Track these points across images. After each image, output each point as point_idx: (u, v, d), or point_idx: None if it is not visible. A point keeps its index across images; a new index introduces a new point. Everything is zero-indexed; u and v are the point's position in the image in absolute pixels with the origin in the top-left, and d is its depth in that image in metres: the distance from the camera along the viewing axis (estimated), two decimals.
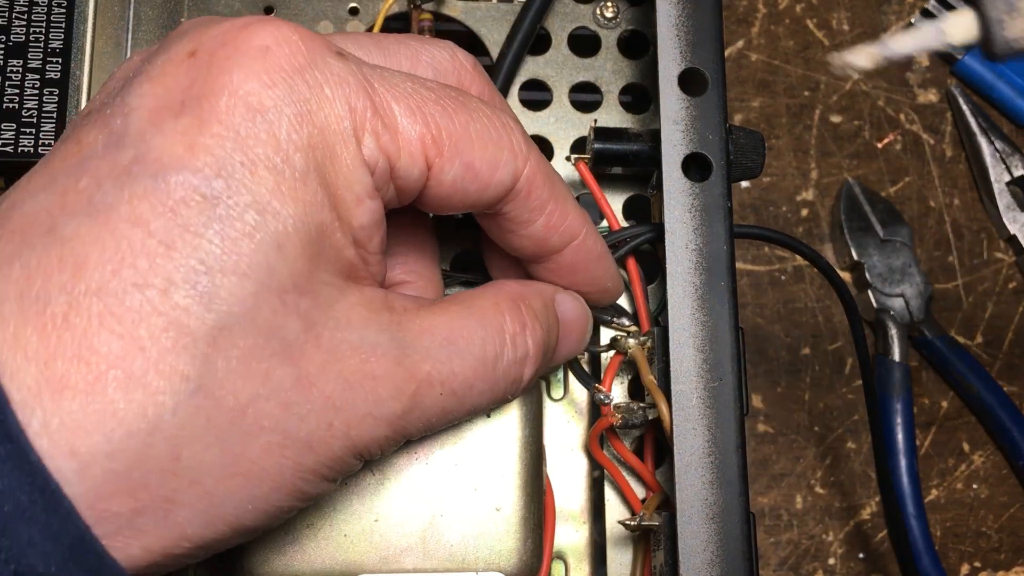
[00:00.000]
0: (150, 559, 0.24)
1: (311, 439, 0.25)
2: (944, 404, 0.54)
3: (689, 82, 0.35)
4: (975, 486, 0.53)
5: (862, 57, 0.24)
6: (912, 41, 0.24)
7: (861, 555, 0.52)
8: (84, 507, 0.23)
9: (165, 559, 0.24)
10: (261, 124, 0.25)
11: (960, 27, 0.23)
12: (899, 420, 0.52)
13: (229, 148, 0.24)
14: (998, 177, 0.56)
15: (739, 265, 0.35)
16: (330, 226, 0.26)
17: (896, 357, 0.53)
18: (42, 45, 0.36)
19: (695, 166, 0.34)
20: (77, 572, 0.22)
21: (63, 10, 0.36)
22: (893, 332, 0.53)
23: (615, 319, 0.36)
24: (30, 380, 0.22)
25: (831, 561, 0.52)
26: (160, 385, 0.23)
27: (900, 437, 0.52)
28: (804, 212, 0.56)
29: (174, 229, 0.24)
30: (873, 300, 0.54)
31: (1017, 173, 0.56)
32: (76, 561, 0.22)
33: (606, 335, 0.37)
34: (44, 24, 0.36)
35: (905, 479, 0.51)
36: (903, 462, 0.52)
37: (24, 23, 0.36)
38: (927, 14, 0.59)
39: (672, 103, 0.35)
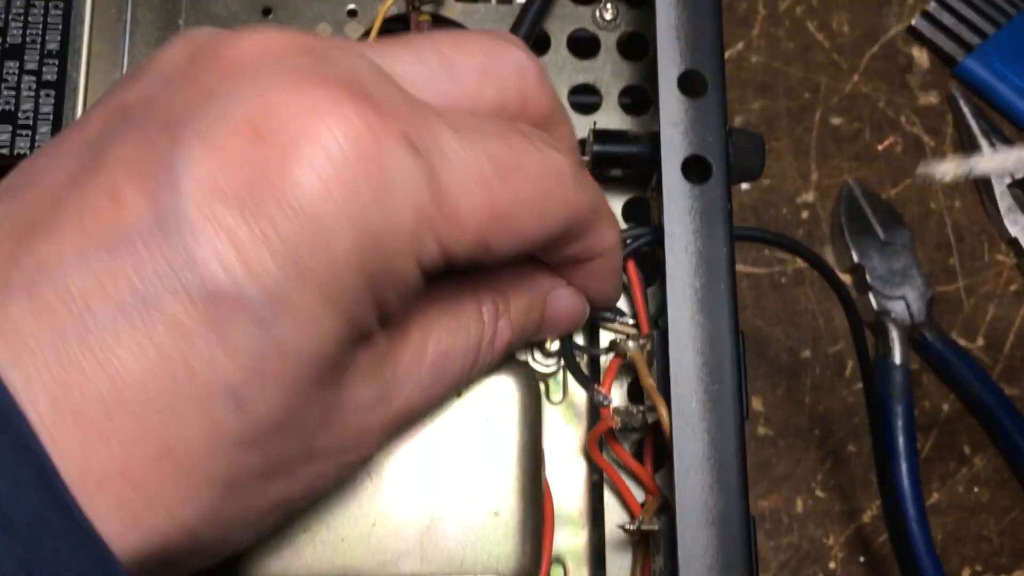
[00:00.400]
0: None
1: (305, 491, 0.28)
2: (945, 407, 0.54)
3: (689, 84, 0.35)
4: (976, 489, 0.53)
5: (950, 171, 0.26)
6: (994, 164, 0.26)
7: (862, 559, 0.52)
8: None
9: None
10: (318, 239, 0.23)
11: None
12: (900, 423, 0.52)
13: (284, 266, 0.23)
14: (999, 179, 0.56)
15: (739, 267, 0.35)
16: (369, 324, 0.26)
17: (897, 360, 0.53)
18: (39, 47, 0.36)
19: (695, 168, 0.34)
20: None
21: (60, 12, 0.36)
22: (894, 335, 0.53)
23: (616, 318, 0.36)
24: (77, 475, 0.22)
25: (831, 565, 0.51)
26: (188, 489, 0.24)
27: (901, 440, 0.52)
28: (804, 214, 0.56)
29: (216, 345, 0.23)
30: (874, 302, 0.54)
31: (1018, 175, 0.56)
32: None
33: (605, 338, 0.37)
34: (41, 26, 0.36)
35: (906, 482, 0.51)
36: (904, 465, 0.51)
37: (20, 24, 0.36)
38: (927, 16, 0.59)
39: (672, 105, 0.34)
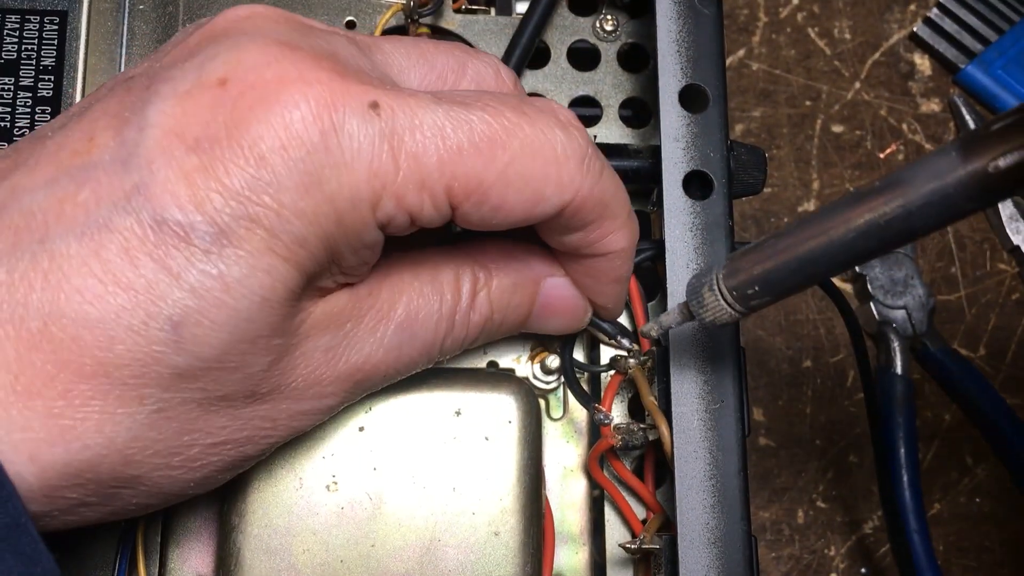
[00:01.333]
0: (99, 518, 0.27)
1: (254, 437, 0.28)
2: (947, 417, 0.54)
3: (690, 99, 0.35)
4: (978, 500, 0.53)
5: (653, 329, 0.32)
6: (657, 324, 0.32)
7: (863, 570, 0.52)
8: (39, 495, 0.24)
9: (112, 518, 0.27)
10: (268, 187, 0.24)
11: (671, 316, 0.32)
12: (901, 433, 0.52)
13: (232, 204, 0.24)
14: None
15: None
16: (323, 274, 0.26)
17: (898, 370, 0.53)
18: (34, 63, 0.35)
19: (696, 184, 0.34)
20: (8, 553, 0.24)
21: (55, 27, 0.36)
22: (895, 344, 0.53)
23: (616, 337, 0.35)
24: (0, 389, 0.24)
25: None
26: (119, 408, 0.24)
27: (902, 451, 0.51)
28: None
29: (160, 272, 0.24)
30: (875, 312, 0.53)
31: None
32: (9, 543, 0.24)
33: (606, 354, 0.36)
34: (36, 41, 0.36)
35: (907, 493, 0.51)
36: (905, 476, 0.51)
37: (16, 40, 0.35)
38: (929, 23, 0.59)
39: (673, 120, 0.34)
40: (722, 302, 0.29)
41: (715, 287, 0.29)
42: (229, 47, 0.26)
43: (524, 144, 0.27)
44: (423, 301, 0.30)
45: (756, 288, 0.29)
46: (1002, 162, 0.24)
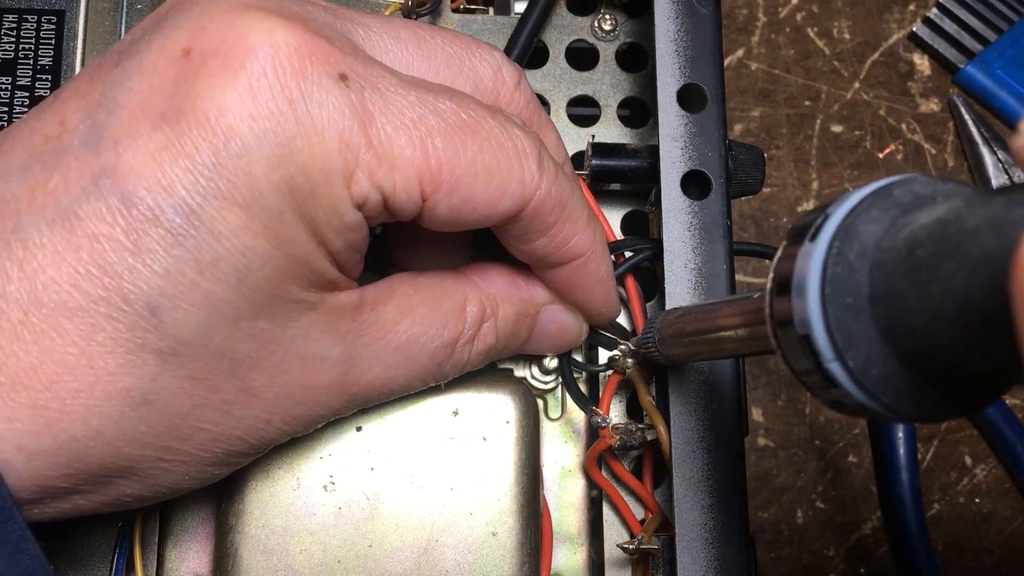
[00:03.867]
0: (94, 508, 0.26)
1: (247, 435, 0.27)
2: None
3: (688, 98, 0.35)
4: (977, 500, 0.53)
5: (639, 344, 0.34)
6: (634, 341, 0.34)
7: (863, 570, 0.51)
8: (28, 484, 0.24)
9: (107, 508, 0.27)
10: (238, 160, 0.24)
11: (638, 340, 0.33)
12: (900, 434, 0.52)
13: (202, 181, 0.24)
14: (1000, 187, 0.56)
15: (739, 278, 0.34)
16: (308, 255, 0.26)
17: None
18: (31, 62, 0.35)
19: (694, 184, 0.34)
20: None
21: (53, 26, 0.36)
22: None
23: (617, 346, 0.35)
24: None
25: None
26: (105, 399, 0.24)
27: (901, 451, 0.51)
28: None
29: (132, 256, 0.24)
30: None
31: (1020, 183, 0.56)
32: None
33: (604, 354, 0.36)
34: (33, 41, 0.36)
35: (907, 494, 0.51)
36: (904, 476, 0.51)
37: (13, 39, 0.35)
38: (929, 23, 0.59)
39: (671, 120, 0.34)
40: (659, 353, 0.31)
41: (655, 339, 0.31)
42: (194, 14, 0.25)
43: (490, 136, 0.28)
44: (426, 326, 0.30)
45: (678, 354, 0.31)
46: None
